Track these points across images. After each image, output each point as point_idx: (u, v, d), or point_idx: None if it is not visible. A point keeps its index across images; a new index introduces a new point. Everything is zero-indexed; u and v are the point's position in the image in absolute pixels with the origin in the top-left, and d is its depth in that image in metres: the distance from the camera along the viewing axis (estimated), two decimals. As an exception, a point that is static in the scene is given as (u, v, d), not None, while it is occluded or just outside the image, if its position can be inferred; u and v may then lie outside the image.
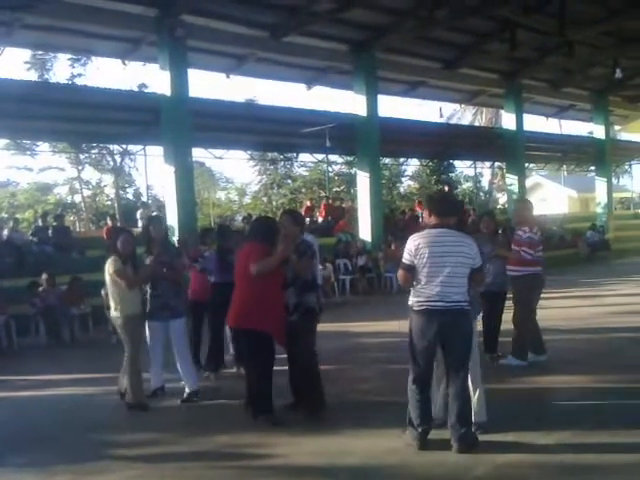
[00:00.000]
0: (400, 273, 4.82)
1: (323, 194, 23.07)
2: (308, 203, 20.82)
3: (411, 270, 4.70)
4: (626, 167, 35.42)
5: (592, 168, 28.77)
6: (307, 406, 5.65)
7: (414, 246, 4.67)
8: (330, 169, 26.20)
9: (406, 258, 4.72)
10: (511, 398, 5.94)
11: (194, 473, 4.60)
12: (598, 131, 25.92)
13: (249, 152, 21.23)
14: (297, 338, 5.59)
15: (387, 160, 25.45)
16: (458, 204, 5.69)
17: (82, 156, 28.27)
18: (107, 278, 6.19)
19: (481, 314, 6.24)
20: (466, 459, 4.49)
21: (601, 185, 25.90)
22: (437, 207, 4.84)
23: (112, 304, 6.23)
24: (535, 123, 43.54)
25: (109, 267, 6.13)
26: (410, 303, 4.78)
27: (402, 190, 34.04)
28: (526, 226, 7.15)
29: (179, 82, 13.51)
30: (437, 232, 4.72)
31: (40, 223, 14.59)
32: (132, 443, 5.32)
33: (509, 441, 4.76)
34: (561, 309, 11.08)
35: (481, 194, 35.07)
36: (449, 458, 4.54)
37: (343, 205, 20.80)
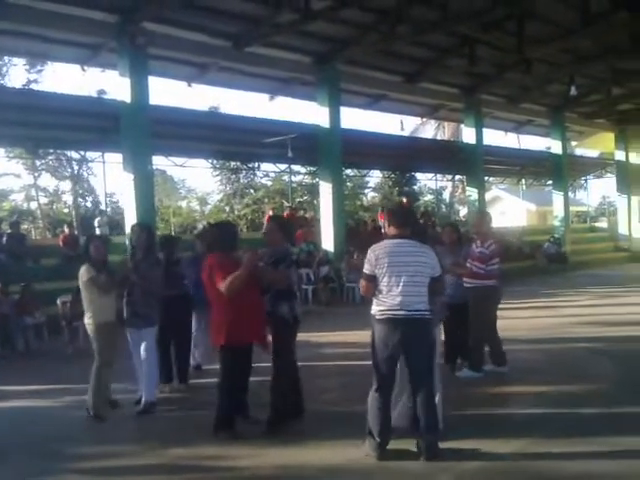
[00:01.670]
0: (362, 283, 4.88)
1: (286, 204, 23.01)
2: (270, 213, 20.75)
3: (372, 280, 4.74)
4: (582, 182, 36.29)
5: (549, 182, 29.39)
6: (275, 417, 5.50)
7: (374, 256, 4.73)
8: (293, 179, 26.19)
9: (367, 268, 4.77)
10: (470, 406, 5.98)
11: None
12: (555, 146, 26.50)
13: (211, 161, 21.07)
14: (273, 346, 5.54)
15: (350, 171, 25.58)
16: (414, 215, 5.78)
17: (39, 162, 27.70)
18: (80, 284, 6.20)
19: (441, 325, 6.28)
20: (427, 467, 4.49)
21: (558, 199, 26.45)
22: (395, 218, 4.94)
23: (86, 311, 6.21)
24: (494, 137, 44.41)
25: (83, 274, 6.13)
26: (372, 312, 4.79)
27: (365, 201, 34.26)
28: (479, 239, 7.23)
29: (139, 89, 13.32)
30: (396, 242, 4.78)
31: (-6, 230, 14.18)
32: (89, 456, 5.18)
33: (469, 449, 4.77)
34: (520, 319, 11.22)
35: (443, 206, 35.51)
36: (410, 467, 4.54)
37: (306, 215, 20.81)
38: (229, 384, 5.34)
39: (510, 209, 36.07)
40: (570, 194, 31.31)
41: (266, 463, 4.76)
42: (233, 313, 5.24)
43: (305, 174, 25.52)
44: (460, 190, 36.57)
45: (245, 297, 5.26)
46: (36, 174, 29.67)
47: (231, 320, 5.25)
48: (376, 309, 4.76)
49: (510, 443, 4.89)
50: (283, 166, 21.65)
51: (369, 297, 4.86)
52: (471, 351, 7.24)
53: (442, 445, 4.68)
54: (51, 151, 22.83)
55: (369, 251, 4.81)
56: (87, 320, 6.21)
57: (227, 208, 31.20)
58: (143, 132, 13.44)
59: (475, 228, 7.67)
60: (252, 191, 31.54)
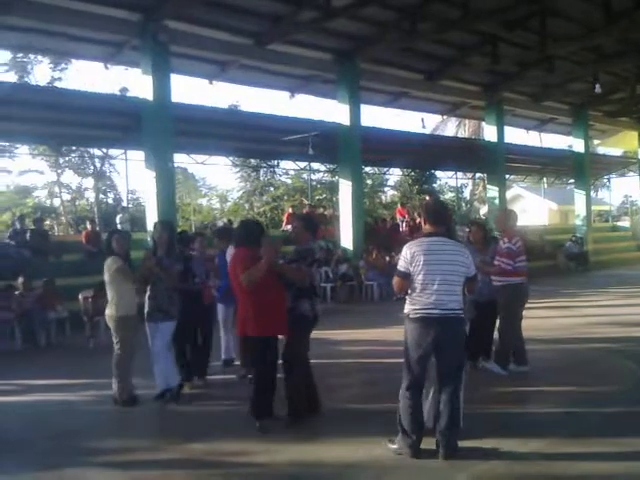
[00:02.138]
0: (396, 280, 4.79)
1: (305, 202, 23.04)
2: (290, 210, 20.81)
3: (407, 277, 4.69)
4: (604, 181, 35.89)
5: (571, 181, 29.11)
6: (290, 413, 5.56)
7: (410, 254, 4.67)
8: (312, 177, 26.22)
9: (402, 265, 4.71)
10: (490, 406, 5.95)
11: (169, 480, 4.54)
12: (577, 145, 26.25)
13: (231, 158, 21.17)
14: (288, 343, 5.59)
15: (369, 169, 25.55)
16: (450, 213, 5.72)
17: (62, 160, 28.03)
18: (106, 277, 6.35)
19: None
20: (445, 466, 4.49)
21: (580, 198, 26.19)
22: (432, 215, 4.84)
23: (109, 304, 6.36)
24: (516, 135, 44.03)
25: (111, 264, 6.29)
26: (406, 311, 4.75)
27: (384, 199, 34.19)
28: (506, 236, 7.19)
29: (161, 87, 13.44)
30: (432, 240, 4.72)
31: (18, 226, 14.38)
32: (109, 450, 5.23)
33: (487, 448, 4.76)
34: (540, 319, 11.12)
35: (463, 204, 35.33)
36: (428, 465, 4.54)
37: (325, 213, 20.84)
38: (261, 374, 5.48)
39: (531, 208, 35.74)
40: (592, 193, 30.97)
41: (284, 459, 4.79)
42: (257, 305, 5.39)
43: (325, 172, 25.50)
44: (480, 188, 36.35)
45: (268, 290, 5.39)
46: (59, 171, 30.05)
47: (256, 312, 5.39)
48: (410, 308, 4.71)
49: (529, 443, 4.86)
50: (303, 164, 21.70)
51: (402, 295, 4.83)
52: (499, 349, 7.21)
53: (461, 444, 4.67)
54: (74, 148, 23.04)
55: (404, 248, 4.74)
56: (108, 312, 6.36)
57: (247, 205, 31.31)
58: (165, 130, 13.55)
59: (500, 225, 7.61)
60: (272, 189, 31.62)
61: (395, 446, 4.75)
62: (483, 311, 7.19)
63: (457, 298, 4.69)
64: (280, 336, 5.61)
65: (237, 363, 7.63)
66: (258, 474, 4.59)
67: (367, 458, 4.73)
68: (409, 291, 4.73)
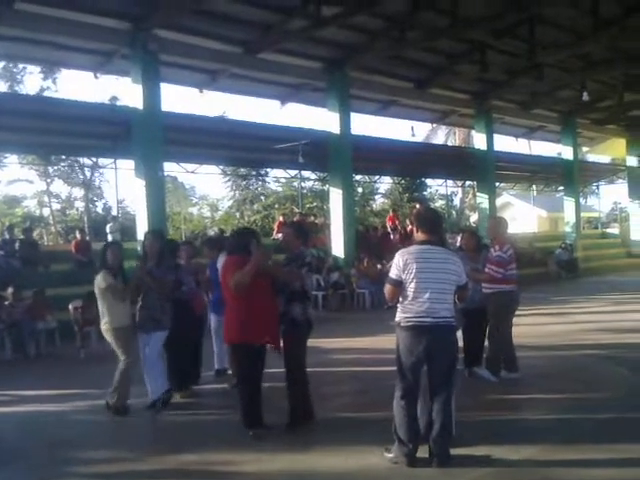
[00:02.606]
0: (387, 288, 4.78)
1: (296, 210, 23.04)
2: (281, 219, 20.79)
3: (398, 285, 4.68)
4: (593, 188, 36.13)
5: (561, 188, 29.27)
6: (292, 422, 5.56)
7: (402, 261, 4.66)
8: (303, 185, 26.22)
9: (394, 273, 4.70)
10: (481, 413, 5.94)
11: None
12: (566, 152, 26.41)
13: (222, 167, 21.15)
14: (285, 348, 5.57)
15: (360, 177, 25.60)
16: (442, 221, 5.70)
17: (51, 169, 27.92)
18: (97, 291, 6.37)
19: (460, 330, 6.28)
20: (439, 474, 4.48)
21: (569, 205, 26.33)
22: (425, 223, 4.84)
23: (102, 317, 6.36)
24: (505, 143, 44.29)
25: (101, 282, 6.29)
26: (397, 319, 4.74)
27: (375, 207, 34.24)
28: (497, 244, 7.20)
29: (151, 96, 13.42)
30: (425, 248, 4.72)
31: (7, 236, 14.29)
32: (98, 460, 5.18)
33: (480, 455, 4.75)
34: (531, 326, 11.14)
35: (453, 212, 35.45)
36: (421, 473, 4.52)
37: (316, 221, 20.83)
38: (248, 382, 5.45)
39: (521, 215, 35.91)
40: (581, 200, 31.14)
41: (276, 469, 4.76)
42: (245, 312, 5.35)
43: (315, 180, 25.54)
44: (470, 196, 36.49)
45: (257, 297, 5.37)
46: (49, 180, 29.92)
47: (243, 319, 5.36)
48: (401, 316, 4.69)
49: (521, 450, 4.85)
50: (293, 172, 21.71)
51: (393, 303, 4.81)
52: (489, 356, 7.22)
53: (454, 451, 4.66)
54: (64, 158, 22.97)
55: (397, 255, 4.73)
56: (103, 326, 6.35)
57: (237, 214, 31.28)
58: (155, 139, 13.52)
59: (491, 233, 7.62)
60: (262, 197, 31.61)
61: (391, 455, 4.73)
62: (474, 318, 7.21)
63: (449, 306, 4.69)
64: (269, 345, 5.56)
65: (230, 372, 7.59)
66: (249, 484, 4.56)
67: (360, 467, 4.70)
68: (400, 299, 4.72)
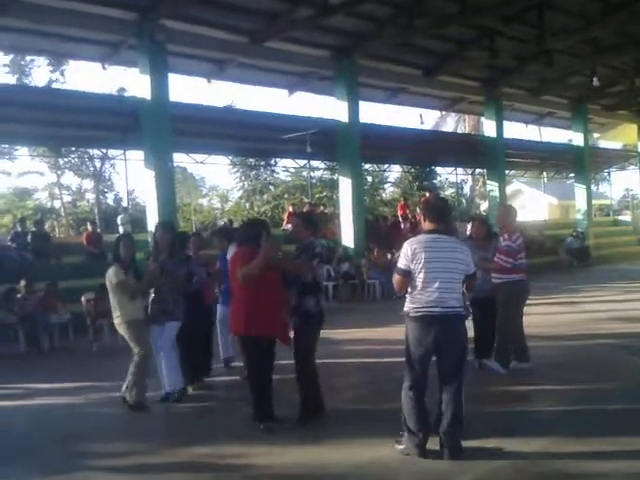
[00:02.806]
0: (396, 278, 4.74)
1: (306, 200, 23.02)
2: (290, 209, 20.77)
3: (407, 275, 4.65)
4: (605, 174, 35.84)
5: (572, 175, 29.06)
6: (304, 415, 5.55)
7: (410, 251, 4.62)
8: (312, 175, 26.17)
9: (402, 263, 4.67)
10: (493, 404, 5.93)
11: (172, 484, 4.53)
12: (577, 138, 26.20)
13: (230, 158, 21.14)
14: (297, 341, 5.56)
15: (369, 166, 25.53)
16: (451, 210, 5.61)
17: (62, 161, 28.00)
18: (108, 286, 6.34)
19: (470, 319, 6.26)
20: (451, 466, 4.47)
21: (581, 192, 26.15)
22: (433, 212, 4.80)
23: (114, 311, 6.34)
24: (515, 130, 43.99)
25: (112, 277, 6.26)
26: (406, 309, 4.72)
27: (385, 196, 34.15)
28: (506, 232, 7.15)
29: (159, 86, 13.40)
30: (433, 237, 4.69)
31: (19, 228, 14.37)
32: (111, 453, 5.23)
33: (491, 448, 4.74)
34: (542, 315, 11.10)
35: (463, 200, 35.29)
36: (433, 465, 4.51)
37: (325, 211, 20.80)
38: (257, 375, 5.43)
39: (531, 203, 35.73)
40: (593, 187, 30.94)
41: (287, 461, 4.77)
42: (253, 304, 5.34)
43: (324, 169, 25.47)
44: (480, 184, 36.31)
45: (265, 289, 5.34)
46: (59, 172, 30.02)
47: (250, 311, 5.34)
48: (410, 306, 4.67)
49: (532, 442, 4.84)
50: (302, 162, 21.66)
51: (402, 293, 4.79)
52: (498, 346, 7.19)
53: (465, 444, 4.65)
54: (73, 149, 23.05)
55: (405, 245, 4.70)
56: (116, 319, 6.34)
57: (247, 205, 31.29)
58: (163, 129, 13.52)
59: (500, 221, 7.56)
60: (272, 188, 31.59)
61: (402, 446, 4.73)
62: (484, 308, 7.19)
63: (457, 296, 4.67)
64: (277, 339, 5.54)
65: (240, 364, 7.60)
66: (260, 476, 4.57)
67: (372, 459, 4.70)
68: (409, 289, 4.69)
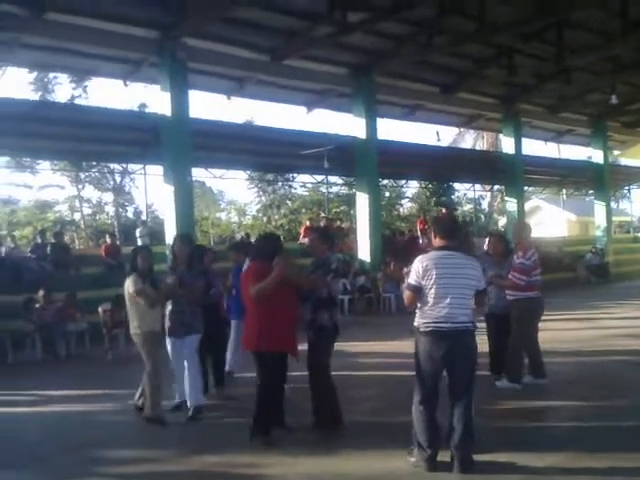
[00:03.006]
0: (407, 294, 4.80)
1: (323, 215, 23.11)
2: (307, 223, 20.85)
3: (418, 291, 4.70)
4: (625, 191, 35.52)
5: (591, 192, 28.86)
6: (318, 423, 5.60)
7: (422, 267, 4.67)
8: (330, 190, 26.27)
9: (413, 279, 4.72)
10: (506, 419, 5.92)
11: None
12: (597, 156, 26.07)
13: (248, 172, 21.30)
14: (311, 355, 5.59)
15: (387, 182, 25.57)
16: (461, 226, 5.63)
17: (82, 175, 28.39)
18: (127, 296, 6.33)
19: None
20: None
21: (600, 209, 25.98)
22: (443, 229, 4.87)
23: (132, 321, 6.32)
24: (534, 147, 43.78)
25: (129, 286, 6.26)
26: (416, 324, 4.76)
27: (402, 211, 34.12)
28: (520, 249, 7.14)
29: (179, 103, 13.62)
30: (444, 254, 4.73)
31: (39, 240, 14.60)
32: (123, 461, 5.29)
33: (503, 462, 4.72)
34: (558, 331, 11.03)
35: (481, 216, 35.13)
36: (444, 479, 4.50)
37: (342, 225, 20.86)
38: (264, 390, 5.42)
39: (550, 219, 35.46)
40: (613, 204, 30.65)
41: (298, 472, 4.78)
42: (265, 321, 5.34)
43: (342, 185, 25.56)
44: (499, 199, 36.14)
45: (278, 306, 5.35)
46: (80, 186, 30.41)
47: (263, 328, 5.35)
48: (420, 321, 4.71)
49: (546, 457, 4.81)
50: (320, 177, 21.76)
51: (412, 309, 4.83)
52: (509, 363, 7.17)
53: (477, 458, 4.64)
54: (94, 164, 23.38)
55: (416, 261, 4.74)
56: (133, 330, 6.33)
57: (265, 219, 31.44)
58: (183, 145, 13.72)
59: (515, 237, 7.55)
60: (289, 202, 31.73)
61: (413, 459, 4.75)
62: (499, 324, 7.19)
63: (468, 312, 4.69)
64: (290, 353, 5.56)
65: (245, 374, 7.57)
66: (272, 486, 4.61)
67: (384, 470, 4.72)
68: (419, 304, 4.73)
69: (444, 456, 4.66)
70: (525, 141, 23.28)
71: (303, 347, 5.69)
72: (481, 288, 4.82)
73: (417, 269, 4.69)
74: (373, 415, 6.30)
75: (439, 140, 25.53)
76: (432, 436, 4.65)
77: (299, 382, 5.85)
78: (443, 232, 4.83)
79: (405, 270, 5.09)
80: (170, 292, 6.47)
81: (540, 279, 7.21)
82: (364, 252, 17.34)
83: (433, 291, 4.62)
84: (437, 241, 4.85)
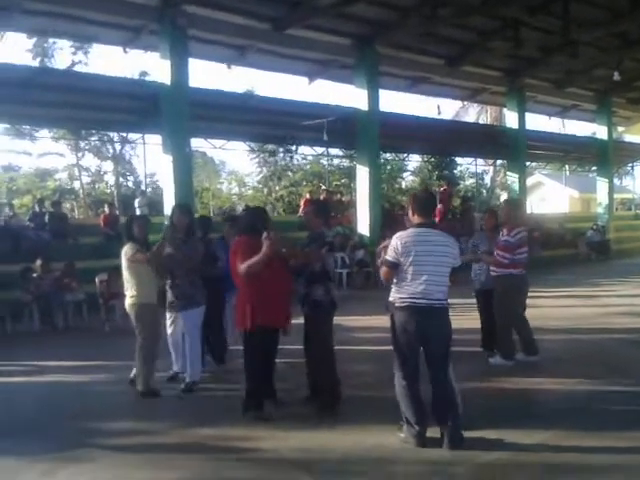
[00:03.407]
0: (384, 270, 4.83)
1: (323, 187, 22.99)
2: (307, 196, 20.75)
3: (395, 267, 4.72)
4: (628, 168, 35.31)
5: (594, 168, 28.72)
6: (320, 401, 5.56)
7: (400, 244, 4.68)
8: (330, 162, 26.12)
9: (391, 255, 4.73)
10: (496, 396, 5.94)
11: (175, 464, 4.58)
12: (601, 132, 25.84)
13: (248, 143, 21.14)
14: (309, 331, 5.56)
15: (389, 155, 25.40)
16: (436, 203, 5.66)
17: (82, 143, 28.20)
18: (124, 263, 6.27)
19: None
20: (448, 456, 4.49)
21: (603, 186, 25.84)
22: (421, 206, 4.86)
23: (127, 291, 6.26)
24: (538, 122, 43.40)
25: (127, 251, 6.21)
26: (391, 299, 4.78)
27: (403, 185, 33.94)
28: (506, 228, 7.10)
29: (179, 71, 13.45)
30: (422, 231, 4.75)
31: (37, 209, 14.55)
32: (118, 432, 5.32)
33: (492, 439, 4.74)
34: (557, 308, 11.05)
35: (484, 191, 34.96)
36: (433, 455, 4.53)
37: (342, 199, 20.76)
38: (253, 366, 5.40)
39: (552, 195, 35.34)
40: (615, 181, 30.51)
41: (290, 446, 4.81)
42: (257, 297, 5.29)
43: (343, 157, 25.38)
44: (502, 174, 35.93)
45: (269, 280, 5.28)
46: (79, 154, 30.23)
47: (255, 304, 5.29)
48: (396, 296, 4.73)
49: (535, 434, 4.83)
50: (321, 149, 21.60)
51: (389, 284, 4.85)
52: (499, 339, 7.18)
53: (466, 434, 4.66)
54: (94, 132, 23.21)
55: (394, 238, 4.75)
56: (129, 300, 6.26)
57: (265, 190, 31.31)
58: (182, 114, 13.59)
59: (503, 217, 7.47)
60: (290, 173, 31.56)
61: (403, 435, 4.78)
62: (487, 300, 7.19)
63: (443, 289, 4.72)
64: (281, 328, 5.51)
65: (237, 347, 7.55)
66: (260, 459, 4.63)
67: (374, 445, 4.75)
68: (395, 280, 4.75)
69: (435, 432, 4.67)
70: (529, 116, 23.10)
71: (299, 321, 5.67)
72: (457, 265, 4.83)
73: (396, 246, 4.70)
74: (367, 390, 6.30)
75: (440, 113, 25.29)
76: (418, 412, 4.67)
77: (294, 356, 5.83)
78: (421, 209, 4.84)
79: (381, 245, 5.05)
80: (168, 261, 6.33)
81: (525, 257, 7.15)
82: (363, 226, 17.29)
83: (411, 268, 4.64)
84: (415, 218, 4.84)
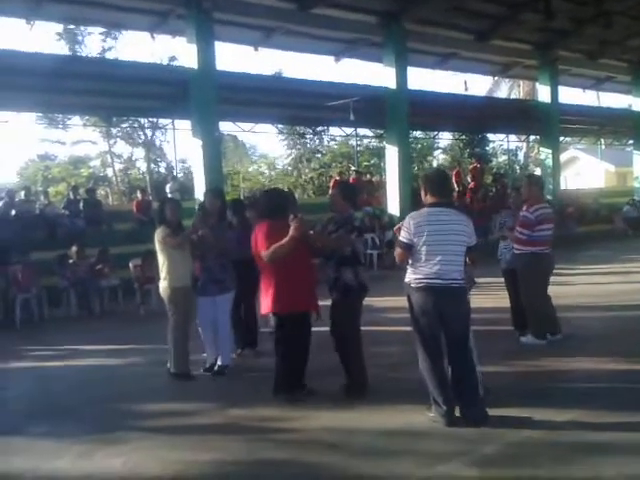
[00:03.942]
0: (398, 252, 4.83)
1: (352, 168, 22.91)
2: (337, 177, 20.70)
3: (409, 248, 4.70)
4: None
5: (630, 142, 28.02)
6: (349, 382, 5.55)
7: (413, 224, 4.68)
8: (360, 143, 25.96)
9: (404, 237, 4.72)
10: (526, 375, 5.91)
11: (210, 445, 4.65)
12: (637, 104, 25.15)
13: (277, 125, 21.13)
14: (337, 316, 5.54)
15: (419, 133, 25.12)
16: (451, 182, 5.58)
17: (113, 130, 28.50)
18: (157, 246, 6.30)
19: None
20: (477, 435, 4.48)
21: (639, 159, 25.20)
22: (434, 186, 4.82)
23: (161, 274, 6.30)
24: (572, 95, 42.30)
25: (158, 235, 6.25)
26: (407, 280, 4.77)
27: (435, 163, 33.58)
28: (526, 205, 6.99)
29: (206, 55, 13.50)
30: (436, 210, 4.72)
31: (72, 196, 14.82)
32: (153, 414, 5.44)
33: (522, 417, 4.73)
34: (592, 285, 10.86)
35: (517, 168, 34.39)
36: (461, 433, 4.53)
37: (372, 179, 20.66)
38: (284, 349, 5.40)
39: (587, 170, 34.59)
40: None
41: (320, 426, 4.86)
42: (282, 281, 5.26)
43: (372, 137, 25.21)
44: (536, 150, 35.28)
45: (294, 265, 5.24)
46: (111, 141, 30.58)
47: (280, 289, 5.26)
48: (412, 277, 4.72)
49: (564, 413, 4.79)
50: (349, 130, 21.50)
51: (403, 265, 4.84)
52: (529, 319, 7.10)
53: (494, 412, 4.65)
54: (124, 118, 23.44)
55: (407, 219, 4.74)
56: (162, 283, 6.29)
57: (295, 172, 31.30)
58: (210, 98, 13.64)
59: (524, 194, 7.33)
60: (319, 155, 31.47)
61: (432, 414, 4.79)
62: (513, 279, 7.12)
63: (459, 268, 4.69)
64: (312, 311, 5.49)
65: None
66: (293, 440, 4.69)
67: (403, 425, 4.76)
68: (410, 261, 4.73)
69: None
70: (562, 89, 22.59)
71: (326, 303, 5.66)
72: (472, 244, 4.78)
73: (408, 226, 4.69)
74: (400, 371, 6.25)
75: (467, 90, 24.86)
76: (445, 392, 4.67)
77: (323, 341, 5.85)
78: (434, 189, 4.80)
79: (396, 227, 5.01)
80: (199, 243, 6.34)
81: (548, 235, 6.99)
82: (394, 206, 17.19)
83: (425, 248, 4.62)
84: (428, 198, 4.81)
